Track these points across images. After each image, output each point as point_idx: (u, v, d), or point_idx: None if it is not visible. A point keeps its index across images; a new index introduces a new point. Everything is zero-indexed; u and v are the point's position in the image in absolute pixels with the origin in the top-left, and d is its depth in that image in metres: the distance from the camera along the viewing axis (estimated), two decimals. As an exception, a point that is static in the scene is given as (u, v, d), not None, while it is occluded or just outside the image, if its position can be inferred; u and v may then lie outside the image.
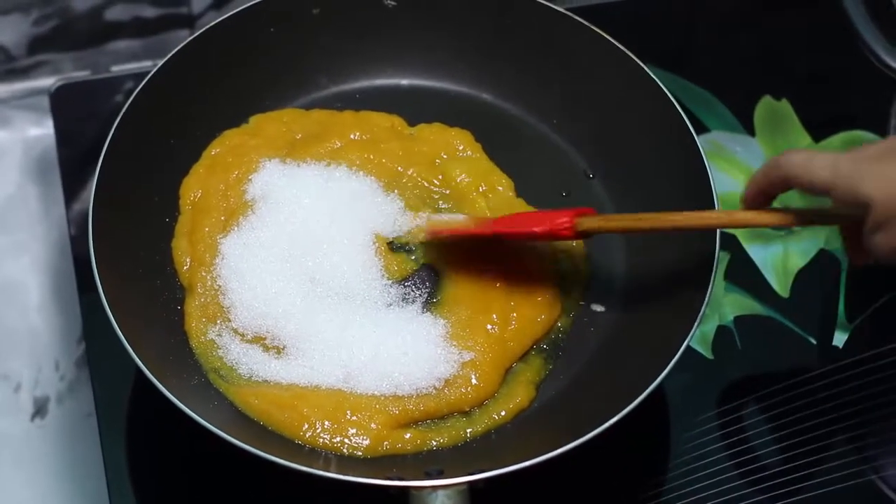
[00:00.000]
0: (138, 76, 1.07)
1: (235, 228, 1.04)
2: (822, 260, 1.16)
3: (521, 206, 1.10)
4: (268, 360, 0.99)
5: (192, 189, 1.07)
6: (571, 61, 1.14)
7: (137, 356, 0.91)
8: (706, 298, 0.96)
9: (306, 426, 0.96)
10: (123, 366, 0.92)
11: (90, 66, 1.30)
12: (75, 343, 1.15)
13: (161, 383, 0.90)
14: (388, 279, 1.05)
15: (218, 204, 1.06)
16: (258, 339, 1.00)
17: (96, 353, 1.06)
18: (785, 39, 1.31)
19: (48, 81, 1.29)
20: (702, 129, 1.23)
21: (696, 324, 0.95)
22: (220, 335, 1.00)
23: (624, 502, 1.03)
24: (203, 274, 1.02)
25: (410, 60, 1.17)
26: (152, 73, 1.06)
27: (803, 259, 1.16)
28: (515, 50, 1.16)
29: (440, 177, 1.10)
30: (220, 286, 1.02)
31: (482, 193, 1.10)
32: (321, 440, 0.96)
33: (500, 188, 1.11)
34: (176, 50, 1.08)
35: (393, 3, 1.16)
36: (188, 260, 1.04)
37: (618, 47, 1.10)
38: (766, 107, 1.26)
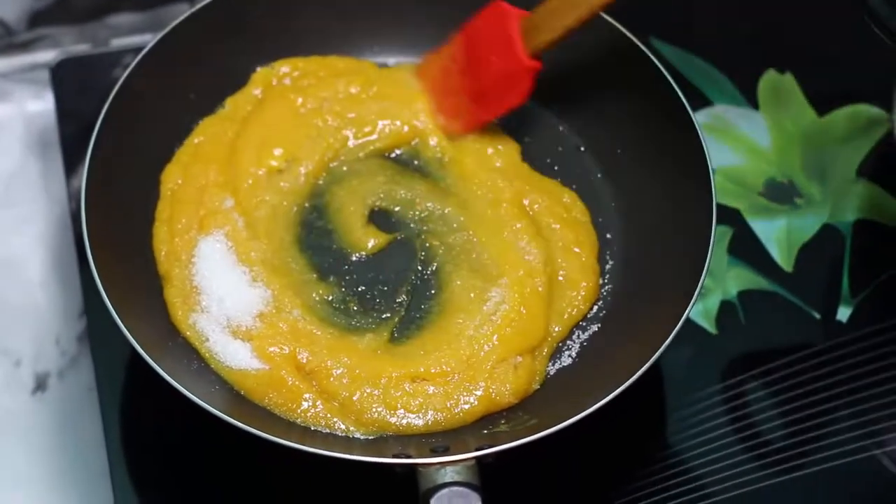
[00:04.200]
0: (139, 50, 1.06)
1: (213, 228, 1.04)
2: (826, 234, 1.16)
3: (527, 170, 1.10)
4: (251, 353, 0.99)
5: (174, 177, 1.06)
6: None
7: (138, 343, 0.91)
8: (704, 272, 0.96)
9: (306, 405, 0.96)
10: (124, 341, 0.92)
11: (90, 39, 1.30)
12: (76, 318, 1.15)
13: (163, 370, 0.90)
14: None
15: (196, 197, 1.05)
16: (240, 335, 0.99)
17: (97, 329, 1.06)
18: (790, 12, 1.31)
19: (48, 55, 1.28)
20: (705, 102, 1.23)
21: (693, 297, 0.95)
22: (204, 326, 0.99)
23: (630, 476, 1.03)
24: (178, 270, 1.01)
25: (396, 39, 1.16)
26: (147, 48, 1.06)
27: (807, 233, 1.16)
28: None
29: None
30: (196, 286, 1.01)
31: (489, 155, 1.10)
32: (321, 420, 0.95)
33: (507, 150, 1.11)
34: (170, 27, 1.07)
35: None
36: (164, 250, 1.03)
37: (604, 18, 1.09)
38: (770, 80, 1.25)
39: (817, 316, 1.11)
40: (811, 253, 1.15)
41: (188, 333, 0.99)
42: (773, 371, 1.08)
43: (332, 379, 0.97)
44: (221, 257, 1.02)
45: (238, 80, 1.12)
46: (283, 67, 1.13)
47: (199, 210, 1.04)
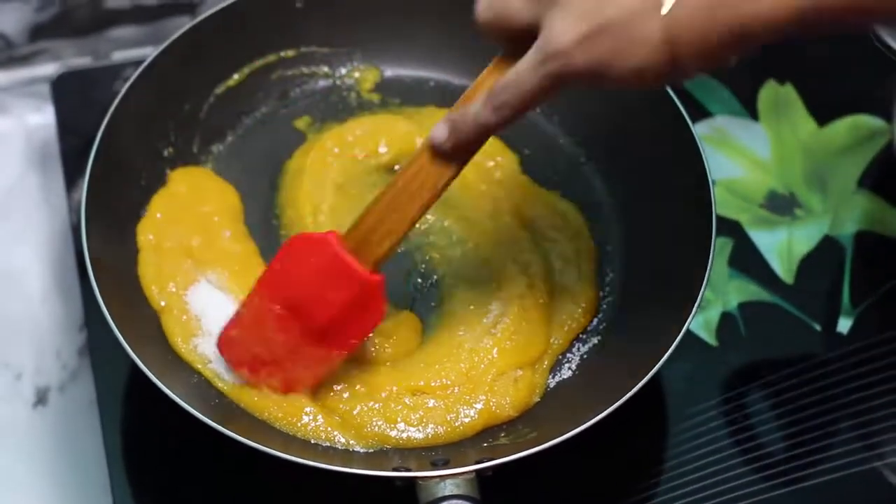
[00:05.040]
0: (140, 63, 1.06)
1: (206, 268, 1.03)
2: (826, 246, 1.16)
3: (526, 182, 1.10)
4: None
5: (147, 232, 1.05)
6: None
7: (138, 357, 0.91)
8: (704, 284, 0.96)
9: (306, 419, 0.96)
10: (125, 354, 0.92)
11: (91, 53, 1.30)
12: (77, 331, 1.15)
13: (163, 384, 0.90)
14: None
15: (176, 259, 1.03)
16: None
17: (98, 342, 1.06)
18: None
19: (49, 69, 1.28)
20: (705, 114, 1.23)
21: (694, 309, 0.95)
22: (206, 350, 0.99)
23: (630, 489, 1.03)
24: (173, 303, 1.01)
25: (393, 49, 1.17)
26: (148, 61, 1.06)
27: (808, 245, 1.15)
28: None
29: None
30: (195, 315, 1.00)
31: (489, 168, 1.10)
32: (321, 433, 0.95)
33: (507, 162, 1.11)
34: (171, 40, 1.07)
35: None
36: (155, 290, 1.02)
37: None
38: (770, 91, 1.25)
39: (818, 328, 1.11)
40: (812, 264, 1.15)
41: (189, 358, 0.99)
42: (773, 383, 1.08)
43: (332, 393, 0.97)
44: (216, 293, 1.02)
45: (242, 91, 1.13)
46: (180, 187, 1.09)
47: (182, 264, 1.03)
